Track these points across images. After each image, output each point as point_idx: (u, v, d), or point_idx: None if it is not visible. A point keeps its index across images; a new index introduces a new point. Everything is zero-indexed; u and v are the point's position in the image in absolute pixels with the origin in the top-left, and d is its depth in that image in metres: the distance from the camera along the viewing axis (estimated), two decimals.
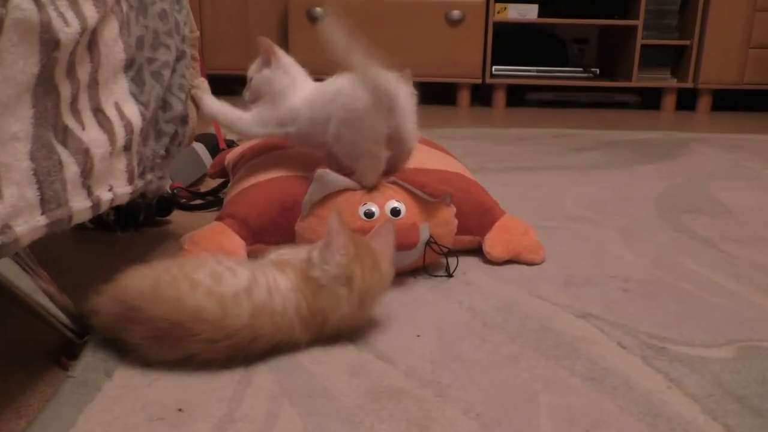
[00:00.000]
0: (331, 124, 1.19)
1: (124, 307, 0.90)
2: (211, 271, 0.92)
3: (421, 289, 1.20)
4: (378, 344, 1.00)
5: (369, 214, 1.19)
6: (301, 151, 1.46)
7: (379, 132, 1.16)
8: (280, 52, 1.31)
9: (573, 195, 1.86)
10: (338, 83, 1.21)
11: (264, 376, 0.90)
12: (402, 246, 1.16)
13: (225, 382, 0.88)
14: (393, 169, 1.24)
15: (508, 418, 0.82)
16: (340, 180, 1.20)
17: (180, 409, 0.82)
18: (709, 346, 1.01)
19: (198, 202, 1.70)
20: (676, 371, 0.93)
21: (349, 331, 1.00)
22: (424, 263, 1.24)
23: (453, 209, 1.27)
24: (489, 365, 0.94)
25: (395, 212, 1.20)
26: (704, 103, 3.65)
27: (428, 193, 1.22)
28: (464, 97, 3.66)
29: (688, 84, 3.57)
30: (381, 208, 1.20)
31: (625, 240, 1.49)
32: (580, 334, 1.04)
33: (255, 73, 1.32)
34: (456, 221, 1.28)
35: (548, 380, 0.90)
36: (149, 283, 0.90)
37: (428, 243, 1.22)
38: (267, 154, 1.52)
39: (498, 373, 0.92)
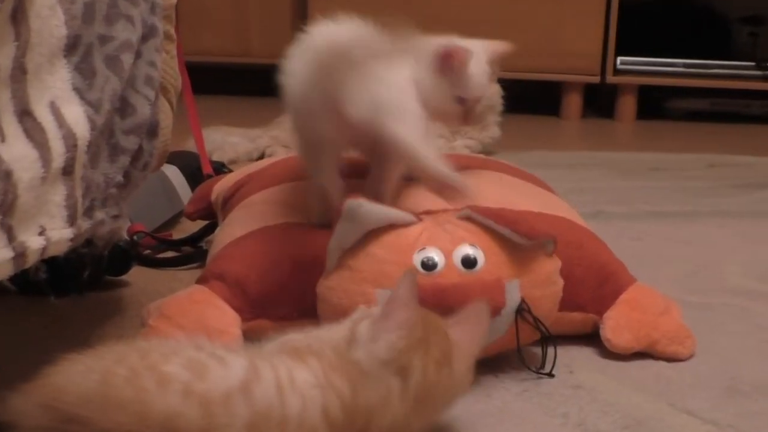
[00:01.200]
0: None
1: (59, 418, 0.88)
2: (189, 360, 0.92)
3: (507, 393, 1.20)
4: None
5: (429, 266, 1.18)
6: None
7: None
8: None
9: (740, 256, 1.85)
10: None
11: None
12: None
13: None
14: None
15: None
16: (382, 213, 1.20)
17: None
18: None
19: (169, 254, 1.72)
20: None
21: None
22: (518, 344, 1.22)
23: (557, 262, 1.26)
24: None
25: (469, 262, 1.19)
26: None
27: (521, 233, 1.21)
28: (573, 103, 3.67)
29: None
30: (447, 256, 1.19)
31: None
32: None
33: None
34: (562, 281, 1.27)
35: None
36: (96, 380, 0.89)
37: (519, 311, 1.21)
38: (276, 185, 1.53)
39: None
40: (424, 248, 1.19)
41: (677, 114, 3.79)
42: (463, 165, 1.51)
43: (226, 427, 0.88)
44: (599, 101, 3.86)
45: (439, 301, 1.14)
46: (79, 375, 0.91)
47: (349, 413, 0.95)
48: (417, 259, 1.18)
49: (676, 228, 2.04)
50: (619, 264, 1.39)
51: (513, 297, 1.20)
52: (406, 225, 1.21)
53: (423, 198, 1.31)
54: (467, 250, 1.20)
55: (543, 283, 1.24)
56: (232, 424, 0.89)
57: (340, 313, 1.13)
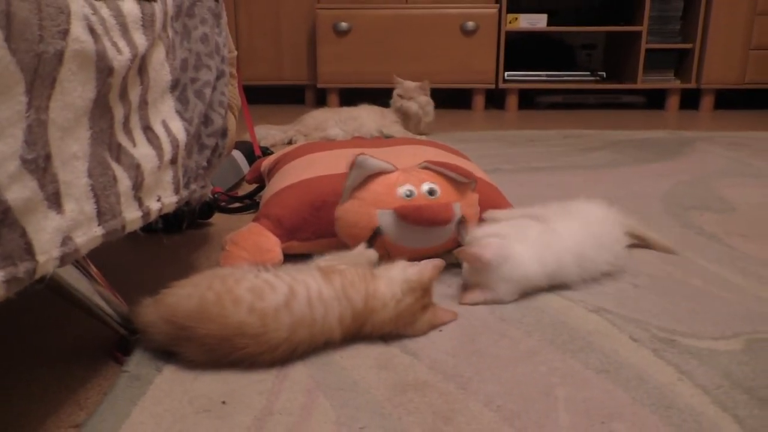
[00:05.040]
0: None
1: (174, 327, 0.90)
2: (252, 286, 0.91)
3: (441, 285, 1.19)
4: (403, 338, 1.00)
5: (408, 195, 1.21)
6: (328, 154, 1.47)
7: None
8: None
9: (584, 192, 1.81)
10: None
11: (299, 370, 0.91)
12: (441, 221, 1.18)
13: (263, 375, 0.89)
14: None
15: (527, 411, 0.82)
16: (377, 163, 1.22)
17: (223, 402, 0.83)
18: (718, 338, 1.00)
19: (236, 205, 1.72)
20: (687, 363, 0.93)
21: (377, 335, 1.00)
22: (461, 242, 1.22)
23: (477, 194, 1.28)
24: (508, 359, 0.94)
25: (431, 192, 1.22)
26: (707, 102, 3.60)
27: (460, 174, 1.24)
28: (479, 101, 3.65)
29: (691, 85, 3.53)
30: (417, 188, 1.21)
31: None
32: (594, 328, 1.03)
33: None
34: (479, 207, 1.29)
35: (564, 374, 0.90)
36: (195, 302, 0.90)
37: (459, 222, 1.23)
38: (298, 159, 1.53)
39: (516, 367, 0.92)
40: (404, 184, 1.21)
41: (543, 105, 3.79)
42: (413, 143, 1.52)
43: (276, 331, 0.89)
44: (495, 99, 3.85)
45: (418, 213, 1.18)
46: (184, 298, 0.91)
47: (357, 317, 0.95)
48: (401, 191, 1.20)
49: (545, 177, 2.03)
50: (503, 200, 1.38)
51: (457, 213, 1.22)
52: (389, 172, 1.23)
53: (400, 161, 1.31)
54: (429, 185, 1.22)
55: (472, 206, 1.26)
56: (280, 329, 0.89)
57: (351, 226, 1.17)
